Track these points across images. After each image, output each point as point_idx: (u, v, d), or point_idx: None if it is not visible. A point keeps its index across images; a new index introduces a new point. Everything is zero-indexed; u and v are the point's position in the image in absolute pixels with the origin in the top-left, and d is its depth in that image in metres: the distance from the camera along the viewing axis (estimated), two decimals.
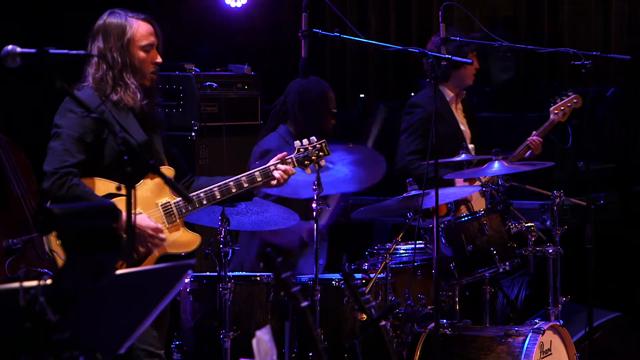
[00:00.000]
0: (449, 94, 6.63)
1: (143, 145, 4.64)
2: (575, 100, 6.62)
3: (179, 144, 6.39)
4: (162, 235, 4.61)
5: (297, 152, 4.93)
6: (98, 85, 4.67)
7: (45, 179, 4.54)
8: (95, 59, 4.67)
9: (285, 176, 4.85)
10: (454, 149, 6.10)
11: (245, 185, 4.82)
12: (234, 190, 4.80)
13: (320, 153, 4.96)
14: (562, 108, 6.59)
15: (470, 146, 6.59)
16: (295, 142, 4.97)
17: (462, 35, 6.28)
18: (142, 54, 4.73)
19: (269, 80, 7.34)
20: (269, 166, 4.86)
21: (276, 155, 4.96)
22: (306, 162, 4.94)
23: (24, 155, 6.17)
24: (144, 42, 4.73)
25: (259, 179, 4.84)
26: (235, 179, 4.81)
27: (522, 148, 6.54)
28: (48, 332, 2.54)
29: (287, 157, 4.91)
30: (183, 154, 6.42)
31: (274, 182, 4.85)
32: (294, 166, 4.91)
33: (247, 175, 4.84)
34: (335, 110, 6.00)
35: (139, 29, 4.73)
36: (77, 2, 7.20)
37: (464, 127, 6.63)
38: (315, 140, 4.98)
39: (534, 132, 6.56)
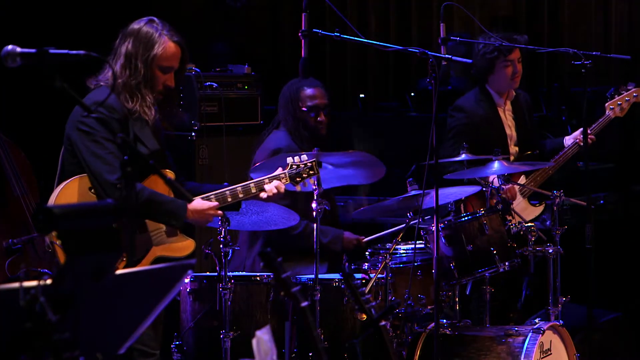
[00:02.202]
0: (497, 97, 6.54)
1: (155, 153, 4.67)
2: (635, 94, 6.43)
3: (179, 144, 6.40)
4: (215, 210, 4.74)
5: (290, 168, 5.01)
6: (115, 87, 4.68)
7: (112, 191, 4.50)
8: (121, 62, 4.68)
9: (275, 191, 4.90)
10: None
11: (240, 195, 4.88)
12: (229, 200, 4.86)
13: (311, 172, 5.03)
14: (619, 103, 6.42)
15: (514, 149, 6.54)
16: (287, 158, 5.03)
17: (502, 34, 6.27)
18: (158, 72, 4.74)
19: (269, 80, 7.35)
20: (263, 179, 4.93)
21: (287, 154, 5.03)
22: (297, 179, 5.02)
23: (24, 155, 6.17)
24: (165, 63, 4.75)
25: (253, 191, 4.91)
26: (231, 189, 4.87)
27: (572, 146, 6.47)
28: (48, 332, 2.54)
29: (280, 173, 4.97)
30: (183, 154, 6.44)
31: (263, 195, 4.91)
32: (287, 181, 4.97)
33: (243, 186, 4.89)
34: (315, 107, 5.96)
35: (167, 49, 4.73)
36: (79, 2, 7.22)
37: (509, 130, 6.54)
38: (307, 159, 5.04)
39: (594, 125, 6.45)
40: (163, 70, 4.75)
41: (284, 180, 4.96)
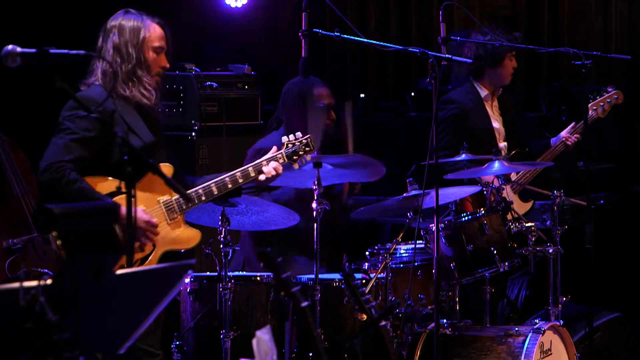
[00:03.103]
0: (484, 91, 6.57)
1: (150, 146, 4.68)
2: (615, 96, 6.57)
3: (179, 144, 6.40)
4: (155, 229, 4.65)
5: (286, 148, 5.02)
6: (108, 81, 4.70)
7: (40, 173, 4.60)
8: (110, 53, 4.72)
9: (274, 173, 4.93)
10: (486, 145, 6.09)
11: (240, 180, 4.91)
12: (229, 186, 4.89)
13: (307, 148, 5.04)
14: (601, 104, 6.55)
15: (503, 144, 6.56)
16: (282, 137, 5.02)
17: (498, 30, 6.28)
18: (153, 54, 4.81)
19: (269, 80, 7.34)
20: (261, 161, 4.95)
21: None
22: (294, 157, 5.02)
23: (24, 155, 6.17)
24: (156, 44, 4.82)
25: (252, 174, 4.93)
26: (230, 175, 4.90)
27: (558, 144, 6.52)
28: (48, 332, 2.54)
29: (277, 153, 4.97)
30: (183, 154, 6.44)
31: (262, 178, 4.92)
32: (284, 161, 4.96)
33: (241, 170, 4.93)
34: (326, 106, 5.96)
35: (154, 30, 4.83)
36: (80, 1, 7.21)
37: (497, 124, 6.57)
38: (301, 135, 5.04)
39: (569, 128, 6.53)
40: (156, 51, 4.82)
41: (281, 160, 4.98)
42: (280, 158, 4.98)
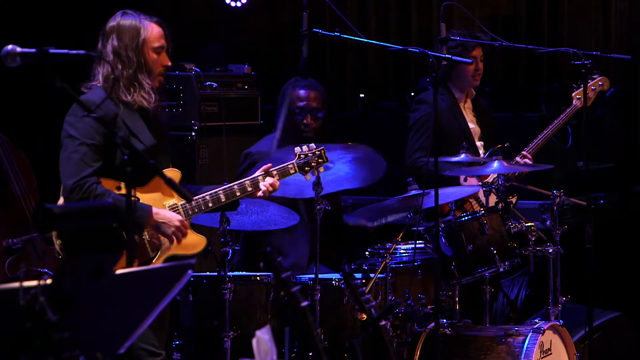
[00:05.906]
0: (457, 92, 6.55)
1: (151, 149, 4.66)
2: (600, 83, 6.38)
3: (179, 144, 6.40)
4: (185, 230, 4.67)
5: (298, 158, 4.99)
6: (109, 85, 4.69)
7: (67, 193, 4.54)
8: (110, 58, 4.69)
9: (271, 189, 4.88)
10: (464, 145, 6.08)
11: (238, 194, 4.85)
12: (238, 194, 4.83)
13: (320, 160, 5.02)
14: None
15: (479, 143, 6.54)
16: (295, 148, 5.01)
17: (465, 32, 6.25)
18: (154, 55, 4.77)
19: (269, 80, 7.35)
20: (257, 177, 4.89)
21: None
22: (306, 168, 5.00)
23: (24, 155, 6.18)
24: (156, 44, 4.77)
25: (249, 189, 4.87)
26: (238, 183, 4.85)
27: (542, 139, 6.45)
28: (48, 332, 2.54)
29: (289, 163, 4.93)
30: (183, 154, 6.44)
31: (259, 194, 4.88)
32: (295, 172, 4.94)
33: (239, 183, 4.87)
34: (302, 109, 5.92)
35: (153, 30, 4.77)
36: (80, 1, 7.22)
37: (472, 124, 6.55)
38: (315, 147, 5.03)
39: (555, 121, 6.44)
40: (157, 52, 4.77)
41: (292, 171, 4.96)
42: (291, 169, 4.96)
